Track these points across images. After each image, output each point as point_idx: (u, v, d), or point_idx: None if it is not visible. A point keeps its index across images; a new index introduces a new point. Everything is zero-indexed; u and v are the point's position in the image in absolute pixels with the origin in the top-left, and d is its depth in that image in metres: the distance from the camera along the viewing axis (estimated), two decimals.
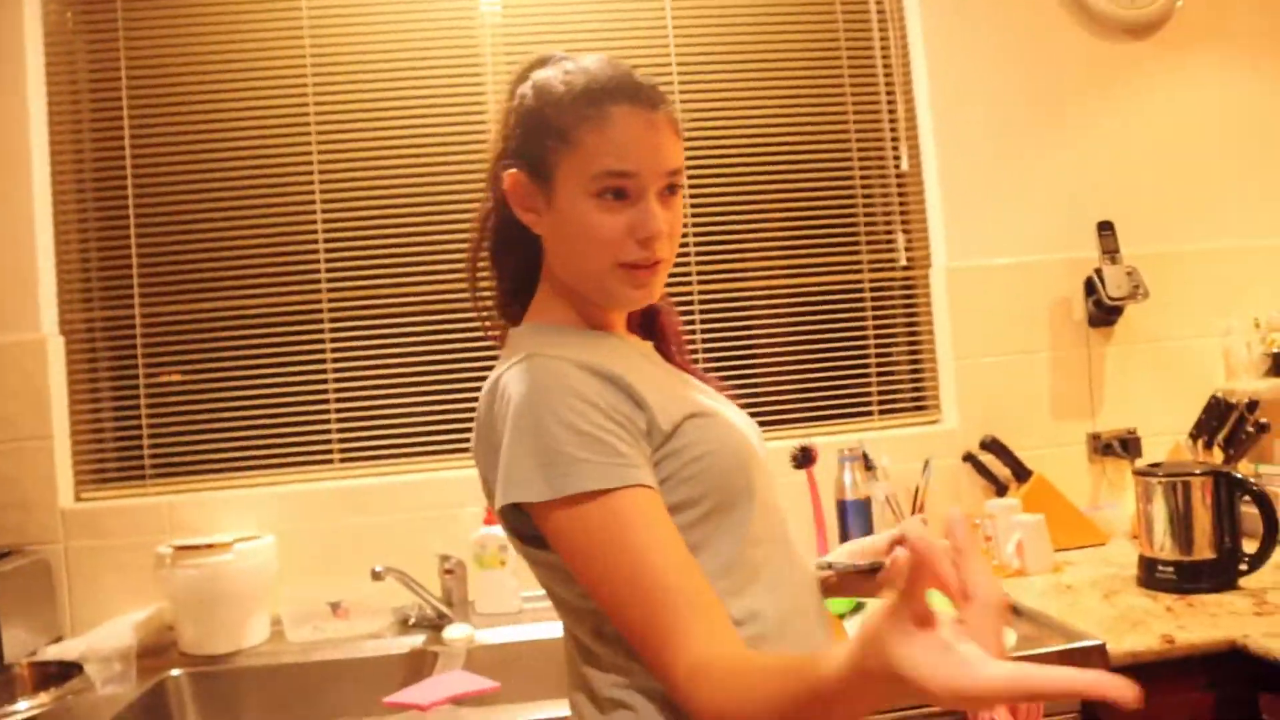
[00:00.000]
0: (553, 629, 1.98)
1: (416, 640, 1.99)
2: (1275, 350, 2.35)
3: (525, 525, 0.99)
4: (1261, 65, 2.50)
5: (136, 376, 2.25)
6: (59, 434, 2.16)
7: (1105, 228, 2.33)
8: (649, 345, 1.18)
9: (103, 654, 1.87)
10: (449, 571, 2.07)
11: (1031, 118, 2.42)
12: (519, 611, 2.11)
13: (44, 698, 1.65)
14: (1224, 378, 2.42)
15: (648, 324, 1.21)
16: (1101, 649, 1.59)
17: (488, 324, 1.18)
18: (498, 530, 2.10)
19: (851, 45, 2.46)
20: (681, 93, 2.40)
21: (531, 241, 1.10)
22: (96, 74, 2.28)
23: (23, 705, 1.62)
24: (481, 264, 1.16)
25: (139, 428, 2.24)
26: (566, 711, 1.44)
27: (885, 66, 2.46)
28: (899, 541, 1.08)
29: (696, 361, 1.51)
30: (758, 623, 1.00)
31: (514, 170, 1.06)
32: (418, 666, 1.88)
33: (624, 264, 1.03)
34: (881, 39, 2.46)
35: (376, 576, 1.94)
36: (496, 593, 2.11)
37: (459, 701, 1.65)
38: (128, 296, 2.25)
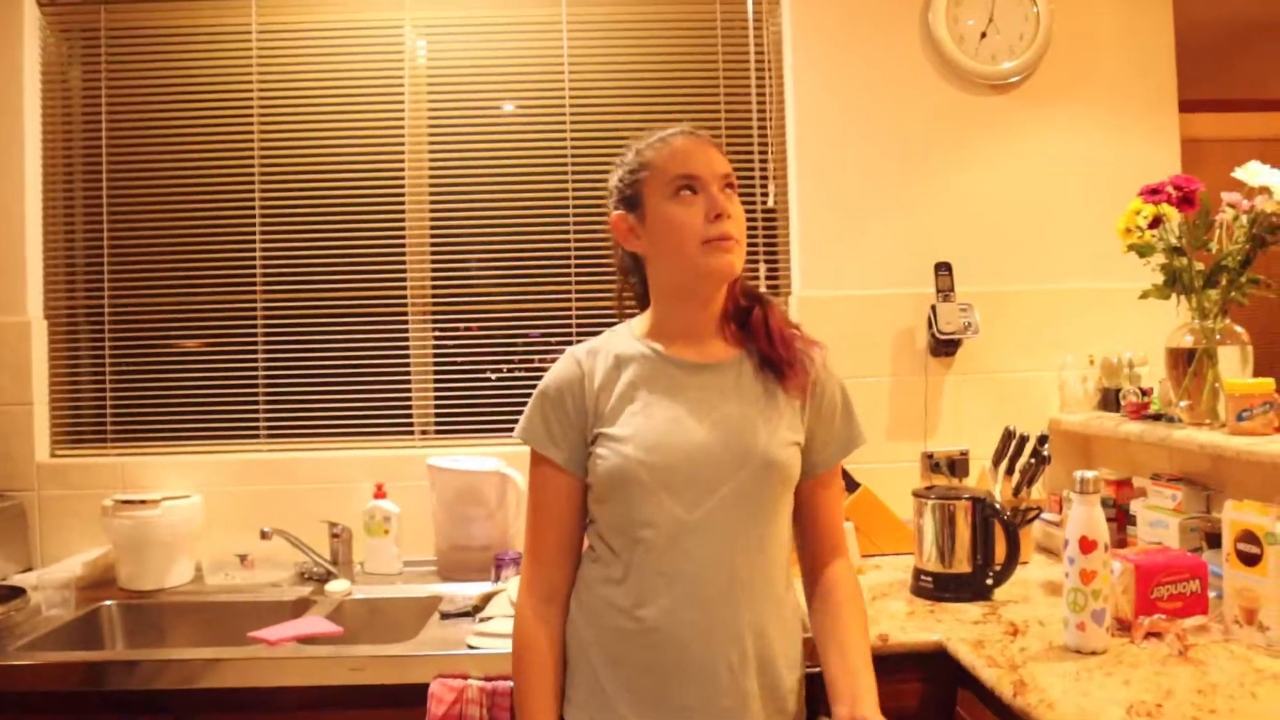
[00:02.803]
0: (420, 589, 2.37)
1: (304, 590, 2.39)
2: (1105, 385, 2.57)
3: None
4: (1113, 120, 2.71)
5: (103, 356, 2.72)
6: (39, 400, 2.63)
7: (942, 268, 2.58)
8: (710, 358, 1.47)
9: (50, 583, 2.33)
10: (336, 535, 2.47)
11: (889, 163, 2.68)
12: (399, 573, 2.50)
13: None
14: (1058, 409, 2.65)
15: (747, 320, 1.50)
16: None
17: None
18: (385, 503, 2.51)
19: (729, 89, 2.77)
20: (573, 125, 2.75)
21: (642, 270, 1.51)
22: (84, 98, 2.75)
23: None
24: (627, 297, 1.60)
25: (103, 399, 2.71)
26: (391, 651, 1.94)
27: (760, 110, 2.76)
28: None
29: None
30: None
31: (616, 212, 1.49)
32: (299, 611, 2.29)
33: (706, 240, 1.38)
34: (758, 85, 2.76)
35: (264, 536, 2.36)
36: (380, 556, 2.50)
37: (304, 640, 2.04)
38: (99, 290, 2.72)
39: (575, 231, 2.73)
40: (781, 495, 1.44)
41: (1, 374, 2.60)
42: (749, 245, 1.47)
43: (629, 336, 1.50)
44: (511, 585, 2.10)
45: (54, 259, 2.71)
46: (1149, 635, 1.74)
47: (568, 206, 2.74)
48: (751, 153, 2.75)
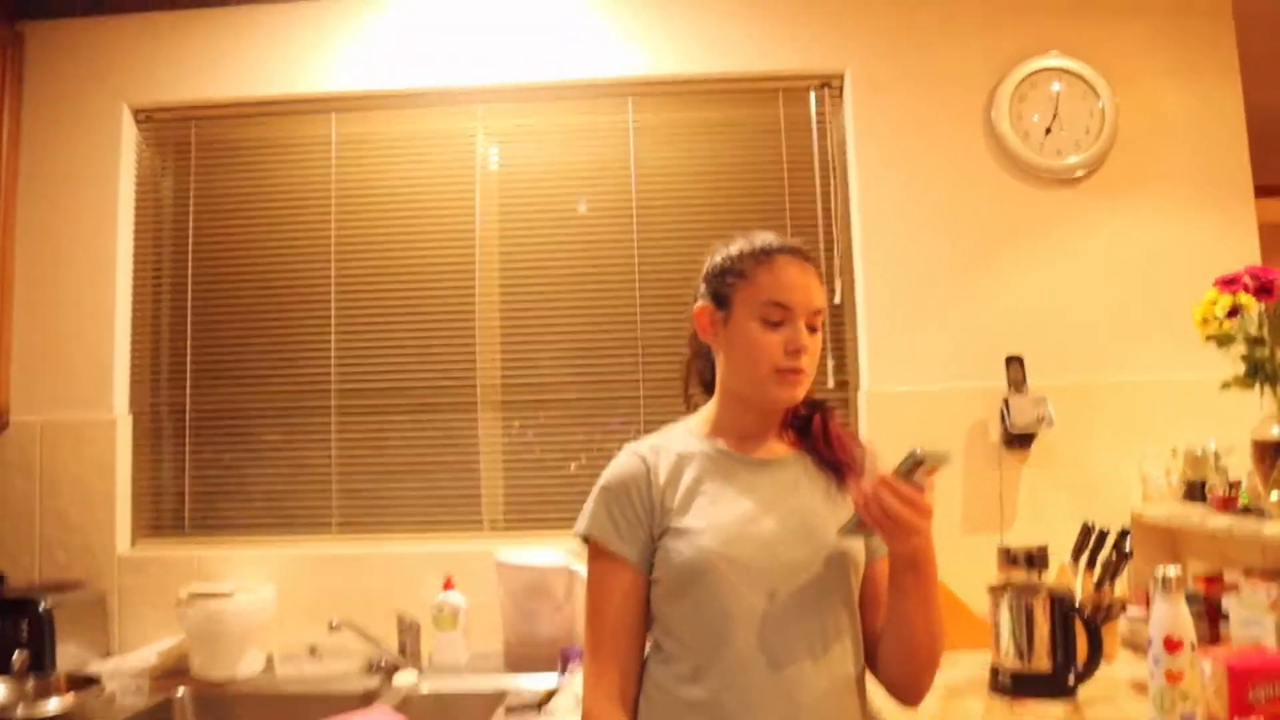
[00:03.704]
0: (486, 682, 2.36)
1: (372, 683, 2.39)
2: (1190, 478, 2.49)
3: None
4: (1186, 209, 2.68)
5: (184, 450, 2.81)
6: (121, 494, 2.72)
7: (1013, 361, 2.55)
8: (768, 455, 1.47)
9: (125, 672, 2.37)
10: (404, 628, 2.47)
11: (956, 258, 2.69)
12: (466, 666, 2.49)
13: (69, 700, 2.13)
14: (1140, 501, 2.57)
15: (807, 424, 1.52)
16: None
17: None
18: (453, 595, 2.51)
19: (794, 188, 2.82)
20: (640, 225, 2.81)
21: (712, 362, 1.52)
22: (173, 206, 2.91)
23: (53, 703, 2.11)
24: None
25: (183, 491, 2.79)
26: None
27: (825, 208, 2.80)
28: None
29: None
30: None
31: (701, 303, 1.49)
32: (367, 703, 2.28)
33: (779, 369, 1.39)
34: (822, 183, 2.80)
35: (333, 628, 2.37)
36: (449, 649, 2.50)
37: None
38: (181, 387, 2.83)
39: (643, 328, 2.77)
40: (854, 582, 1.43)
41: (87, 469, 2.70)
42: None
43: (688, 434, 1.52)
44: (576, 680, 2.08)
45: (140, 358, 2.84)
46: None
47: (635, 304, 2.78)
48: (817, 250, 2.78)
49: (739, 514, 1.40)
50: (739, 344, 1.43)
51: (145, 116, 2.90)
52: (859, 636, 1.45)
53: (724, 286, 1.45)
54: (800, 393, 1.43)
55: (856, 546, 1.43)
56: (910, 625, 1.37)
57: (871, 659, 1.49)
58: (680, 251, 2.78)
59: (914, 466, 1.24)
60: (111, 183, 2.82)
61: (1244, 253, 2.60)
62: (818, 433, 1.50)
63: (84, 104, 2.85)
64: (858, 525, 1.30)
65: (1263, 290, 2.07)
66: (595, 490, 1.47)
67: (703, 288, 1.51)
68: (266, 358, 2.83)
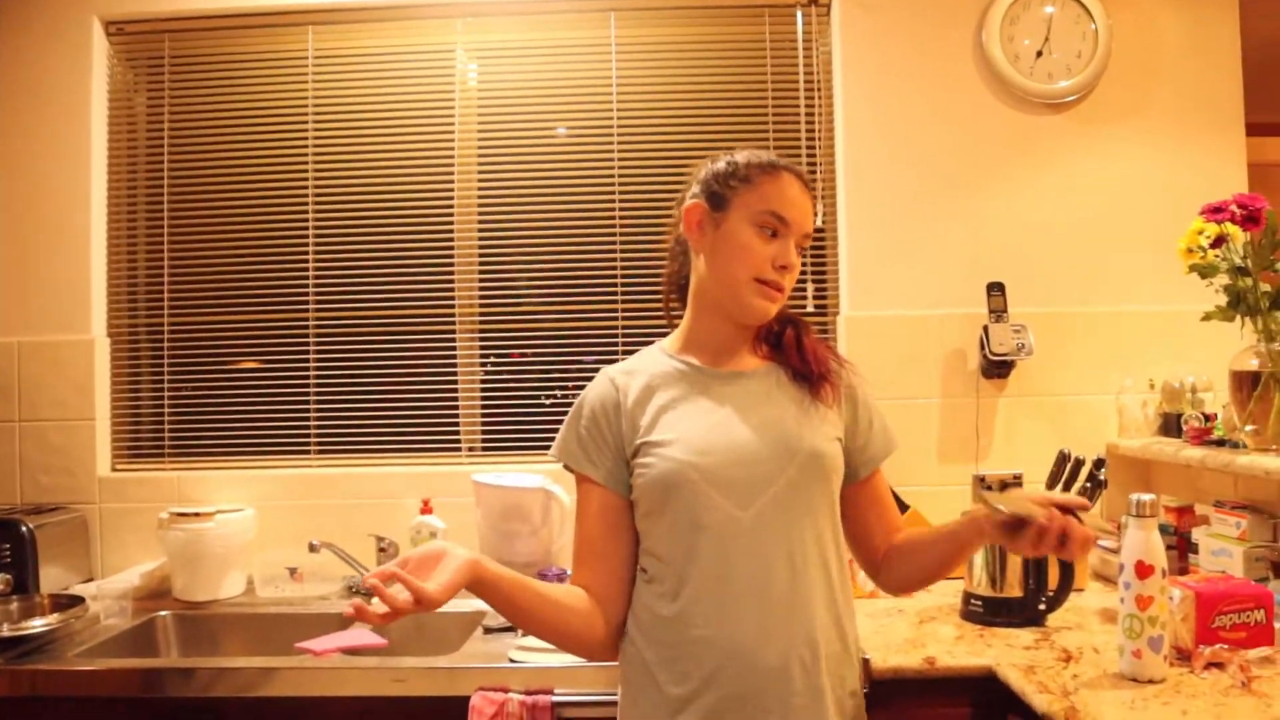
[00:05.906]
0: (464, 604, 2.37)
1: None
2: (1166, 410, 2.50)
3: None
4: (1176, 139, 2.65)
5: (162, 373, 2.79)
6: (101, 416, 2.71)
7: (994, 288, 2.54)
8: (739, 369, 1.49)
9: (109, 593, 2.39)
10: (383, 549, 2.49)
11: (941, 183, 2.65)
12: None
13: (54, 619, 2.14)
14: (1116, 433, 2.59)
15: (779, 338, 1.53)
16: (865, 662, 1.85)
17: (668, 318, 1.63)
18: (432, 519, 2.53)
19: (778, 109, 2.77)
20: (620, 146, 2.77)
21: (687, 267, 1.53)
22: (148, 123, 2.84)
23: (38, 623, 2.13)
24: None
25: (161, 415, 2.78)
26: (434, 664, 1.95)
27: (809, 130, 2.75)
28: (1061, 508, 1.30)
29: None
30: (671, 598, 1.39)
31: (694, 201, 1.48)
32: (347, 623, 2.30)
33: (761, 279, 1.41)
34: (807, 104, 2.76)
35: (313, 549, 2.39)
36: None
37: (348, 652, 2.06)
38: (158, 309, 2.80)
39: (622, 251, 2.75)
40: (833, 487, 1.45)
41: (67, 390, 2.69)
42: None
43: (660, 354, 1.53)
44: None
45: (117, 279, 2.80)
46: (1210, 665, 1.68)
47: (614, 226, 2.75)
48: None
49: (709, 425, 1.41)
50: (729, 245, 1.43)
51: (116, 29, 2.81)
52: (840, 543, 1.48)
53: (724, 188, 1.45)
54: (774, 309, 1.46)
55: (835, 451, 1.45)
56: (945, 564, 1.46)
57: (873, 566, 1.55)
58: (661, 175, 2.74)
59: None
60: (83, 98, 2.75)
61: (1233, 186, 2.57)
62: (790, 344, 1.51)
63: (53, 15, 2.76)
64: (1013, 520, 1.31)
65: (1250, 219, 2.06)
66: (570, 414, 1.51)
67: (696, 188, 1.50)
68: (243, 279, 2.80)
